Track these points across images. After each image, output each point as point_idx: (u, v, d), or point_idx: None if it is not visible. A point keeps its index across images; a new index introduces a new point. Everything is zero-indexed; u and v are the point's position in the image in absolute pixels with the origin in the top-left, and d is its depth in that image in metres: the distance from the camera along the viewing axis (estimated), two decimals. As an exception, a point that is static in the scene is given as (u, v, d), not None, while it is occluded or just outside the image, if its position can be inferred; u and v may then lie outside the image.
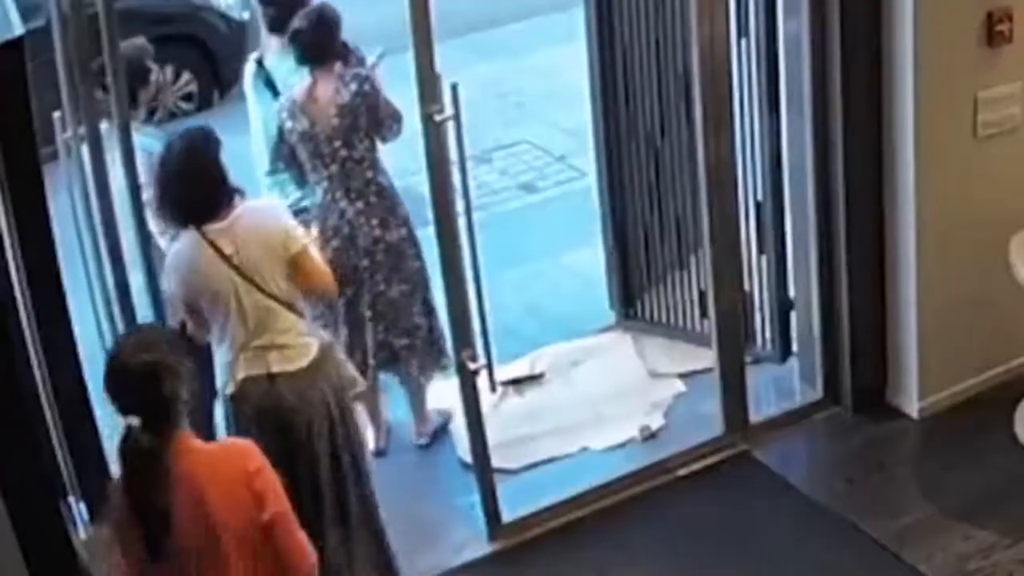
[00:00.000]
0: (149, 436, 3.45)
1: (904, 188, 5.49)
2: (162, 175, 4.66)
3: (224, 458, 3.60)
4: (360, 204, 5.55)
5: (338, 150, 5.50)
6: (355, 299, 5.64)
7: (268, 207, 4.96)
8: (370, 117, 5.52)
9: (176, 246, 4.69)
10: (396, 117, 5.58)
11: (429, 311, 5.78)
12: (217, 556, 3.53)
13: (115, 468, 3.56)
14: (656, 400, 6.12)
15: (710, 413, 5.80)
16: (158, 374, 3.48)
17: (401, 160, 5.91)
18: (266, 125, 5.92)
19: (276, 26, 5.96)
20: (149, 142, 5.12)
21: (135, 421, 3.46)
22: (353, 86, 5.49)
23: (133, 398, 3.48)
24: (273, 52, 6.01)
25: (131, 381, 3.49)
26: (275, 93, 5.88)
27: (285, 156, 5.61)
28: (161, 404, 3.49)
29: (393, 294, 5.65)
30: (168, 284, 4.72)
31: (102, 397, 3.58)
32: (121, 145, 4.63)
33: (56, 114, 4.69)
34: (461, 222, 5.06)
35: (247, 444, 3.69)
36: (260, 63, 6.02)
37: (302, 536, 3.69)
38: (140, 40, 5.69)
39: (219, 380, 4.74)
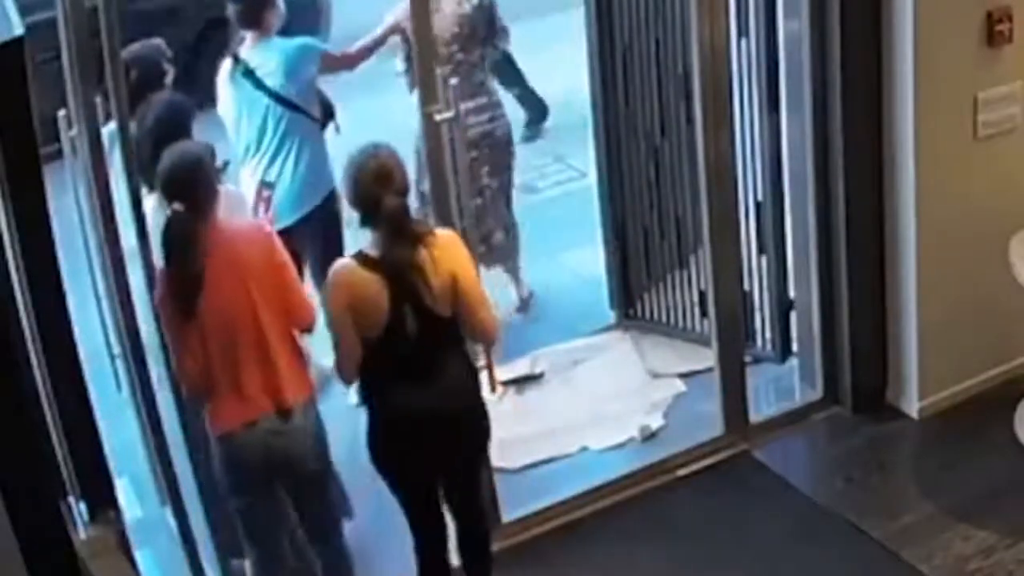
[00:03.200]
0: (187, 216, 4.39)
1: (904, 188, 5.49)
2: (139, 141, 4.90)
3: (247, 226, 4.79)
4: (471, 104, 6.11)
5: (454, 53, 6.23)
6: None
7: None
8: (488, 26, 6.40)
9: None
10: (506, 28, 6.57)
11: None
12: (247, 303, 4.45)
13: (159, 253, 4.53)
14: (656, 400, 6.12)
15: (710, 413, 5.80)
16: (196, 169, 4.48)
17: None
18: (250, 114, 6.00)
19: (247, 21, 6.02)
20: None
21: (179, 206, 4.40)
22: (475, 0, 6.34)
23: (178, 188, 4.44)
24: (248, 45, 6.04)
25: (177, 175, 4.47)
26: (255, 82, 5.95)
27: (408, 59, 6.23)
28: (199, 192, 4.44)
29: (495, 186, 6.48)
30: None
31: (102, 397, 3.64)
32: (121, 145, 4.63)
33: (61, 112, 4.71)
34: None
35: (261, 220, 4.91)
36: (236, 58, 6.05)
37: (304, 293, 4.68)
38: (156, 41, 5.71)
39: None
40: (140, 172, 4.83)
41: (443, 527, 4.71)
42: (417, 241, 4.28)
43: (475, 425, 4.56)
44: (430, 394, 4.38)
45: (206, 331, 4.47)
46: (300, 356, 4.63)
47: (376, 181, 4.25)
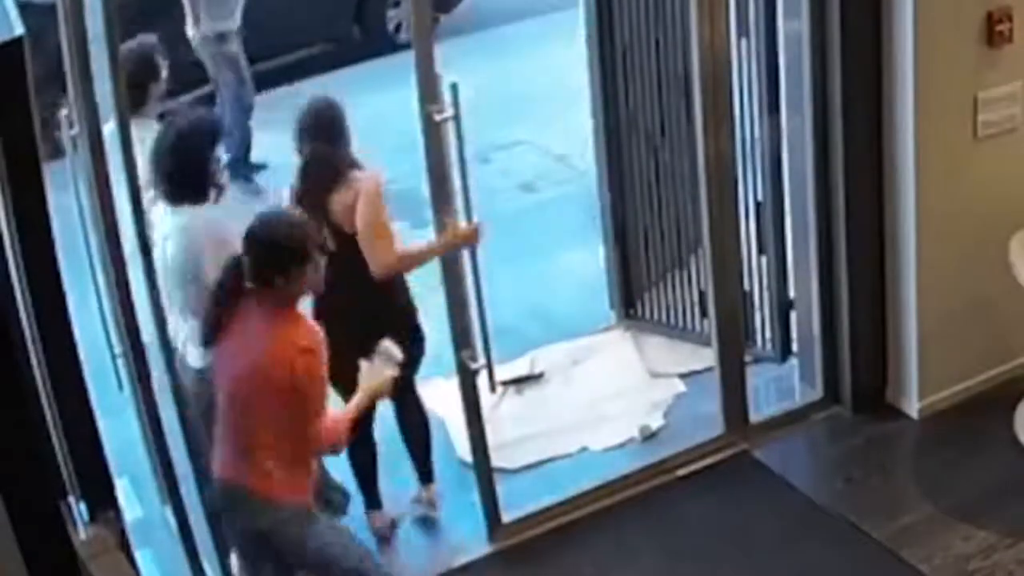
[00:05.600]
0: (238, 266, 4.26)
1: (904, 188, 5.49)
2: (155, 150, 4.90)
3: (279, 339, 4.21)
4: None
5: None
6: None
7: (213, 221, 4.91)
8: None
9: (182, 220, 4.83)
10: None
11: None
12: (247, 389, 4.23)
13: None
14: (656, 400, 6.12)
15: (710, 413, 5.80)
16: (296, 244, 4.25)
17: (400, 162, 5.91)
18: None
19: None
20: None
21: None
22: None
23: (276, 257, 4.22)
24: None
25: (276, 242, 4.24)
26: None
27: None
28: (281, 260, 4.21)
29: None
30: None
31: (102, 397, 3.65)
32: (121, 144, 4.63)
33: (63, 112, 4.71)
34: (461, 222, 5.06)
35: (313, 327, 4.30)
36: None
37: (326, 420, 4.26)
38: (151, 37, 5.74)
39: None
40: (155, 184, 4.82)
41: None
42: (332, 179, 4.86)
43: (385, 325, 4.87)
44: (341, 303, 4.78)
45: (216, 368, 4.41)
46: (296, 462, 4.32)
47: (305, 128, 4.92)
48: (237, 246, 4.38)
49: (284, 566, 4.45)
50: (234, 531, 4.54)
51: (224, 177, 5.00)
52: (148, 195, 4.88)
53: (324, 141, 4.89)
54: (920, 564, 5.04)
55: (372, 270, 4.91)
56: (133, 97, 5.14)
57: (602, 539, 5.34)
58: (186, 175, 4.81)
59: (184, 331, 4.89)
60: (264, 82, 8.92)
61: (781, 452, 5.75)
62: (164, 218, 4.87)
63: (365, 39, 10.21)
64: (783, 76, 5.67)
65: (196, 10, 8.38)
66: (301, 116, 4.96)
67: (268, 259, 4.21)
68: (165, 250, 4.84)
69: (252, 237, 4.27)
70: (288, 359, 4.16)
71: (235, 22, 8.42)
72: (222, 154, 5.02)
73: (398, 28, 10.11)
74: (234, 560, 4.92)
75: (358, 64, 9.68)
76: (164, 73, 5.74)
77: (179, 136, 4.89)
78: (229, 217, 4.87)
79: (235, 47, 8.46)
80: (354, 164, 4.97)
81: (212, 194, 4.88)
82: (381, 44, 9.91)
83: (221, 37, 8.40)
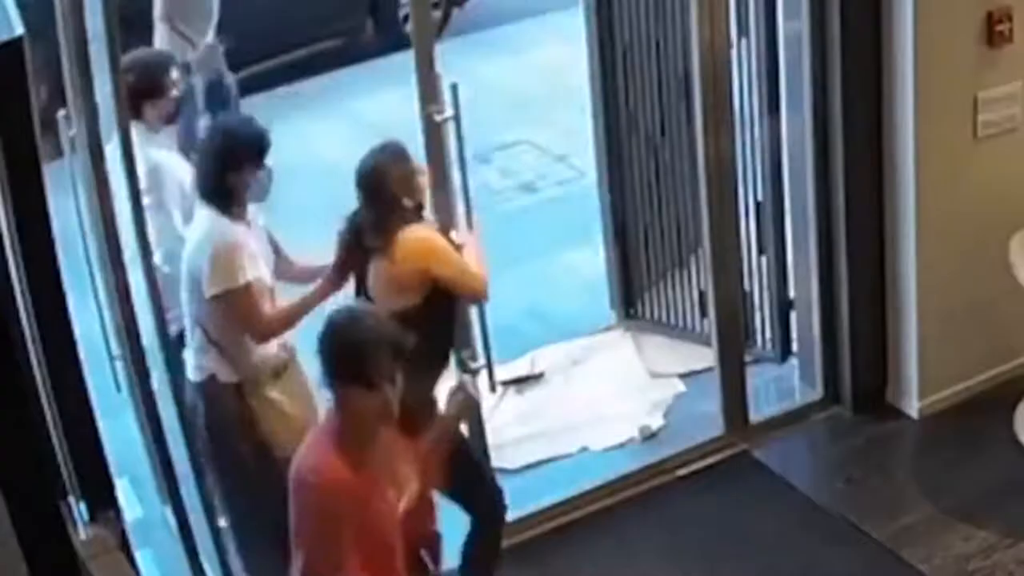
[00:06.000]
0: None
1: (904, 188, 5.49)
2: (200, 149, 4.83)
3: (326, 439, 3.84)
4: None
5: None
6: None
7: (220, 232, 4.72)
8: None
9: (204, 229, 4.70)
10: None
11: None
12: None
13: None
14: (656, 400, 6.12)
15: (710, 413, 5.80)
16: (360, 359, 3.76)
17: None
18: None
19: None
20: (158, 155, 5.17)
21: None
22: None
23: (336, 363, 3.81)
24: None
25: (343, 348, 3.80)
26: None
27: None
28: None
29: None
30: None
31: (102, 397, 3.66)
32: (121, 147, 4.62)
33: (62, 112, 4.71)
34: (461, 221, 5.06)
35: (321, 461, 3.81)
36: None
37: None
38: (165, 49, 5.66)
39: None
40: (203, 191, 4.70)
41: None
42: (375, 245, 4.51)
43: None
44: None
45: None
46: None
47: (358, 183, 4.53)
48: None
49: None
50: None
51: (260, 192, 4.71)
52: (147, 199, 4.87)
53: (381, 197, 4.51)
54: (920, 564, 5.04)
55: (473, 303, 4.90)
56: (139, 105, 5.14)
57: (602, 539, 5.34)
58: (219, 180, 4.64)
59: (189, 339, 4.86)
60: (264, 82, 8.88)
61: (781, 452, 5.75)
62: (195, 221, 4.79)
63: (378, 32, 10.12)
64: (783, 76, 5.68)
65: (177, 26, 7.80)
66: (363, 161, 4.56)
67: (331, 359, 3.84)
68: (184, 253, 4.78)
69: (326, 331, 3.88)
70: (300, 475, 3.86)
71: (207, 39, 7.59)
72: (263, 169, 4.67)
73: (407, 18, 9.91)
74: None
75: (360, 64, 9.66)
76: (174, 79, 5.67)
77: (224, 140, 4.73)
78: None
79: (198, 83, 7.56)
80: (409, 221, 4.57)
81: (238, 207, 4.66)
82: (390, 39, 9.83)
83: (185, 67, 7.83)
